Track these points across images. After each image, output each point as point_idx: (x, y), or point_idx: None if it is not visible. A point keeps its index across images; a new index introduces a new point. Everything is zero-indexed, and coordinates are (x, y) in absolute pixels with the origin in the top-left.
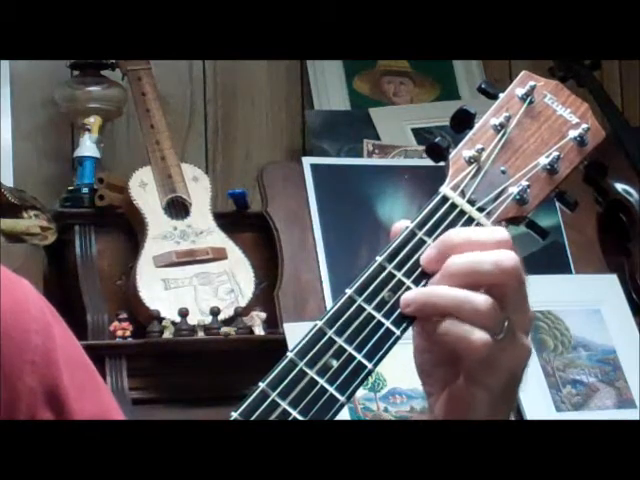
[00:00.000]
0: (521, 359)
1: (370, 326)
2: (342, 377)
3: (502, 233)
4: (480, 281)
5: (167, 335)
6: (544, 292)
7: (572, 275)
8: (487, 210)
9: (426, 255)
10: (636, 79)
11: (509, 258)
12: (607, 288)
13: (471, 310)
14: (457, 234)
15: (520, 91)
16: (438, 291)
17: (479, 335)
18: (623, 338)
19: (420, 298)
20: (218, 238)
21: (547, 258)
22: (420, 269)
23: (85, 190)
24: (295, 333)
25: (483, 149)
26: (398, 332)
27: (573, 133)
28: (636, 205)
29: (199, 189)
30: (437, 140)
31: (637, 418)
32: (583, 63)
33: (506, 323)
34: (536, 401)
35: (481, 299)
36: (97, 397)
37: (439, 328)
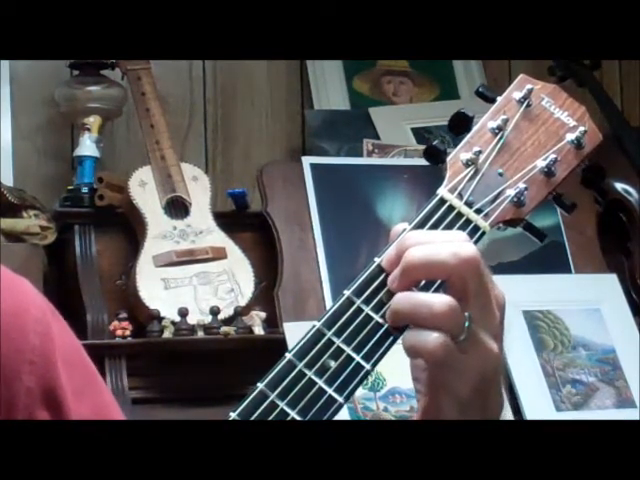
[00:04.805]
0: (487, 362)
1: (368, 327)
2: (341, 378)
3: (461, 235)
4: (438, 273)
5: (167, 335)
6: (544, 292)
7: (572, 275)
8: (484, 212)
9: (386, 255)
10: (636, 79)
11: (468, 249)
12: (607, 288)
13: (427, 313)
14: (415, 235)
15: (517, 94)
16: (399, 299)
17: (433, 337)
18: (623, 338)
19: (390, 310)
20: (218, 238)
21: (547, 258)
22: None
23: (85, 190)
24: (295, 333)
25: (481, 152)
26: (395, 333)
27: (570, 136)
28: (636, 205)
29: (199, 189)
30: (435, 143)
31: (637, 418)
32: (583, 63)
33: (467, 324)
34: (536, 401)
35: (438, 300)
36: (96, 398)
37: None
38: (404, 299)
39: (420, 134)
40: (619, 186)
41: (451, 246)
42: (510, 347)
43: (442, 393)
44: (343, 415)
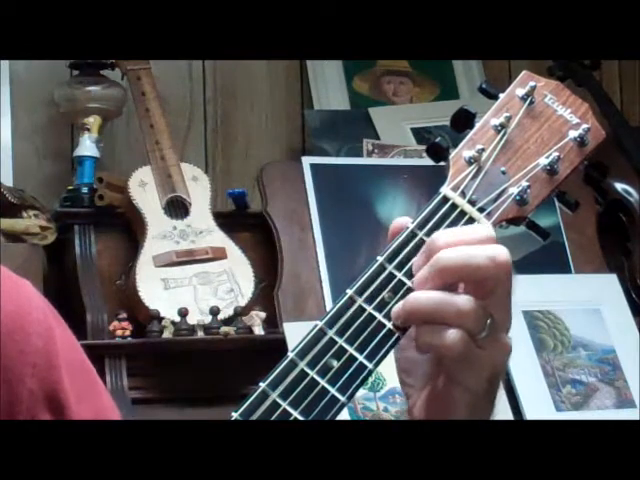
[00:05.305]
0: (502, 357)
1: (371, 327)
2: (343, 378)
3: (488, 230)
4: (473, 276)
5: (167, 335)
6: (544, 292)
7: (572, 275)
8: (487, 210)
9: (416, 260)
10: (636, 79)
11: (503, 253)
12: (607, 288)
13: (453, 311)
14: (443, 235)
15: (520, 91)
16: (419, 298)
17: (452, 332)
18: (623, 338)
19: (405, 309)
20: (218, 238)
21: (547, 258)
22: None
23: (85, 190)
24: (295, 333)
25: (483, 149)
26: (399, 332)
27: (573, 133)
28: (636, 205)
29: (199, 189)
30: (437, 140)
31: (637, 418)
32: (582, 63)
33: (489, 321)
34: (536, 401)
35: (462, 300)
36: (97, 401)
37: (414, 334)
38: (424, 298)
39: (420, 134)
40: (619, 186)
41: (486, 250)
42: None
43: (456, 387)
44: (343, 415)
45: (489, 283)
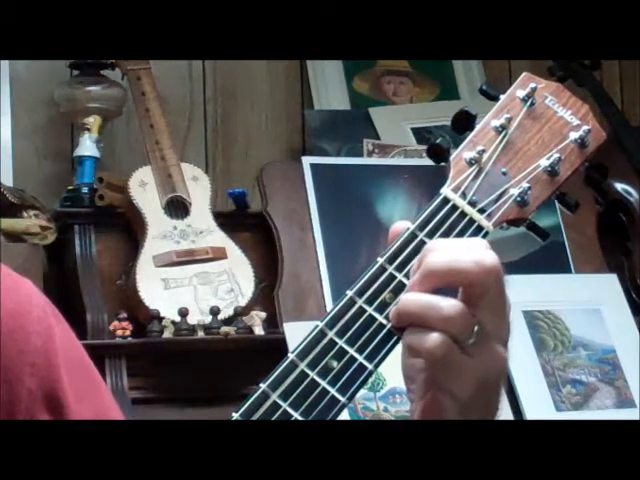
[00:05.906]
0: (493, 368)
1: (371, 328)
2: (343, 378)
3: (482, 242)
4: (459, 280)
5: (167, 335)
6: (544, 292)
7: (572, 275)
8: (488, 212)
9: (413, 264)
10: (636, 79)
11: (490, 258)
12: (607, 288)
13: (436, 315)
14: (436, 243)
15: (521, 93)
16: (408, 300)
17: (433, 337)
18: (623, 338)
19: (396, 310)
20: (218, 238)
21: (547, 258)
22: None
23: (85, 190)
24: (295, 333)
25: (484, 150)
26: (398, 333)
27: (574, 135)
28: (636, 205)
29: (199, 189)
30: (438, 141)
31: (637, 418)
32: (583, 63)
33: (476, 328)
34: (536, 401)
35: (447, 304)
36: (97, 400)
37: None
38: (412, 300)
39: (420, 134)
40: (619, 186)
41: (473, 254)
42: (510, 347)
43: (444, 394)
44: (343, 415)
45: (476, 288)
